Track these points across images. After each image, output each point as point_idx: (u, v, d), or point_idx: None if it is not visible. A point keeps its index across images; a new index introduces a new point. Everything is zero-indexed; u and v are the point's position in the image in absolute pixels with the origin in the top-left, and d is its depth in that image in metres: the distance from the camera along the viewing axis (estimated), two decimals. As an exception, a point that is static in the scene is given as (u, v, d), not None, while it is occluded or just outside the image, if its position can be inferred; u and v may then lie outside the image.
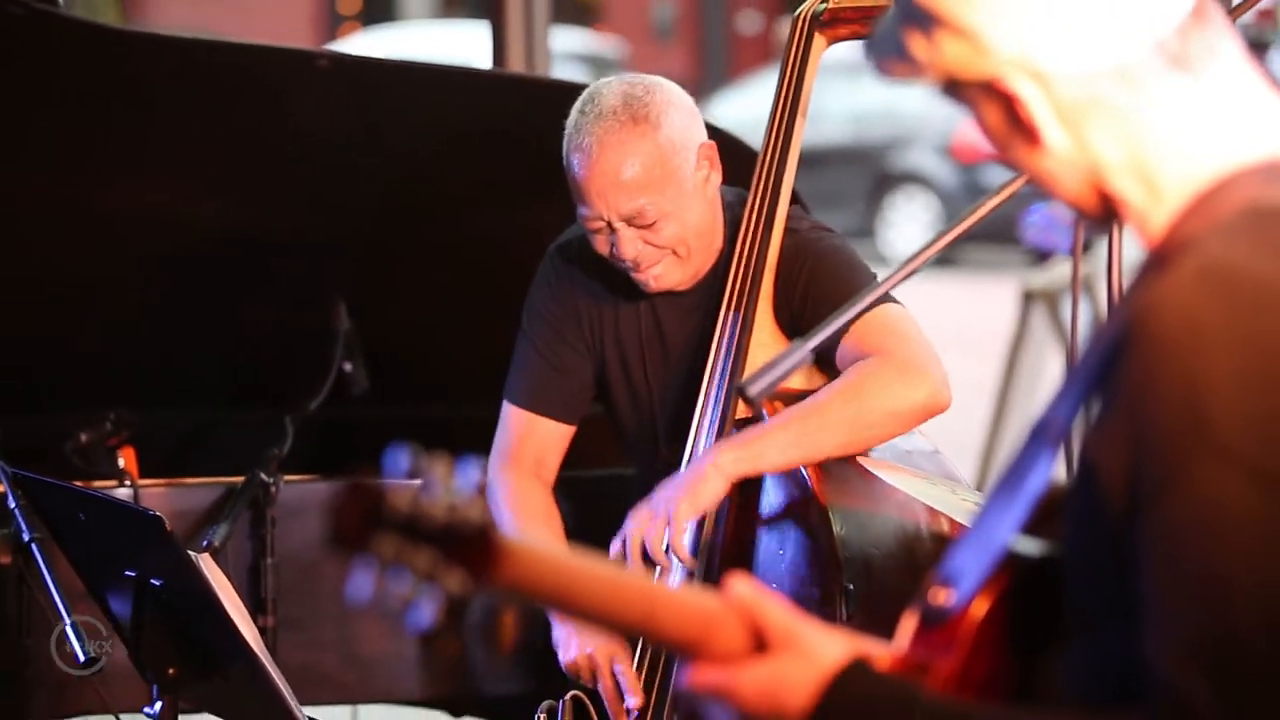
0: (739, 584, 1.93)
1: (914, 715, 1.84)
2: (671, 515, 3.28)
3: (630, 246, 3.46)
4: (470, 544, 1.75)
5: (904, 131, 17.89)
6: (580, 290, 3.66)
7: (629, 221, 3.45)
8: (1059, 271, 7.81)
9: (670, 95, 3.50)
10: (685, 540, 3.31)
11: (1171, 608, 1.74)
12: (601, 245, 3.50)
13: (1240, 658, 1.72)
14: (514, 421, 3.70)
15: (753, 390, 3.04)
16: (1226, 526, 1.72)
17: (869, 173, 17.96)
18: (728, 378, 3.43)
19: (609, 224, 3.46)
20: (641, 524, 3.32)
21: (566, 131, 3.51)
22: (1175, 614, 1.74)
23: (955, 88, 1.91)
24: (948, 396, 3.32)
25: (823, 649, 1.89)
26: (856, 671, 1.88)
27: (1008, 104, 1.88)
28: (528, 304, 3.74)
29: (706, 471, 3.29)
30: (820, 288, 3.42)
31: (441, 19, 25.10)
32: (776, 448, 3.29)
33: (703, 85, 21.26)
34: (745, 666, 1.90)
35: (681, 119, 3.48)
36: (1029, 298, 7.82)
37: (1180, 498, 1.73)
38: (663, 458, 3.55)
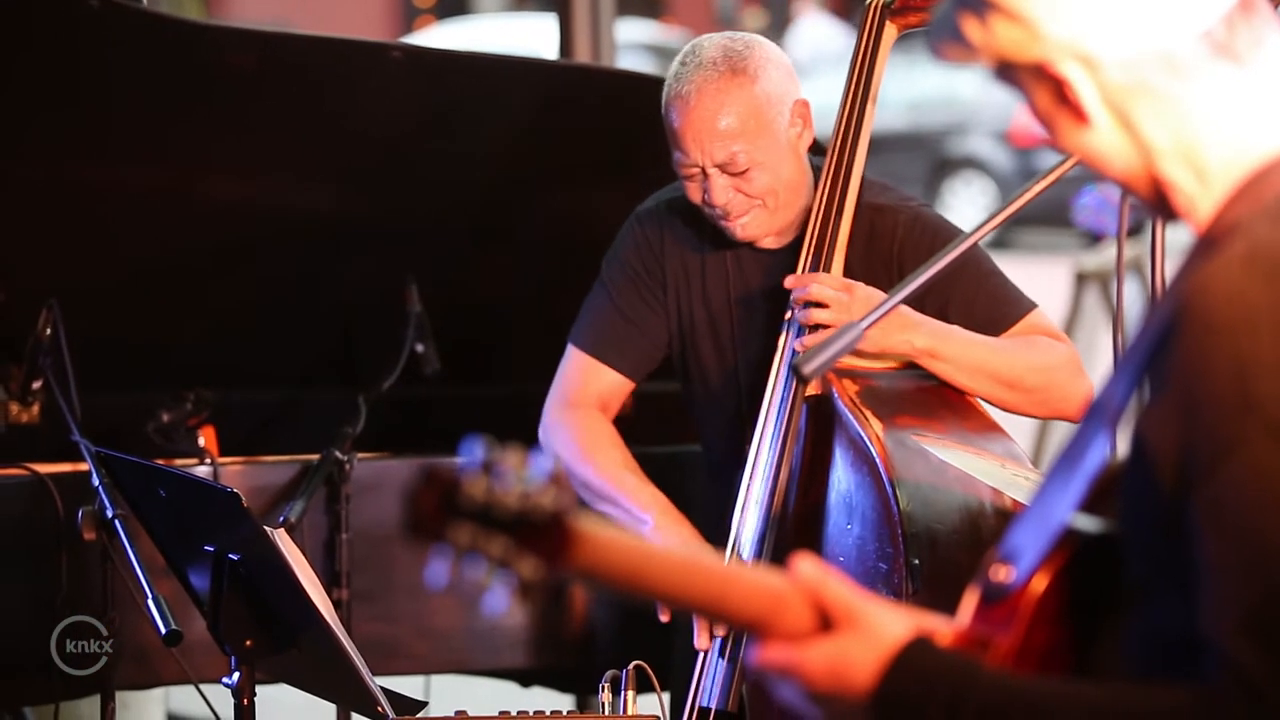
0: (804, 563, 1.97)
1: (974, 690, 1.87)
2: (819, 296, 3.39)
3: (722, 193, 3.53)
4: (543, 531, 1.79)
5: (962, 118, 17.81)
6: (669, 254, 3.72)
7: (722, 168, 3.53)
8: (1111, 253, 7.81)
9: (768, 52, 3.58)
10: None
11: (1226, 580, 1.78)
12: (694, 192, 3.57)
13: None
14: (576, 364, 3.75)
15: (807, 369, 3.09)
16: (1278, 499, 1.76)
17: (927, 158, 17.89)
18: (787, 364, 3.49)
19: (703, 170, 3.53)
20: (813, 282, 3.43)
21: (666, 82, 3.59)
22: (1230, 586, 1.78)
23: (1007, 70, 1.96)
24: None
25: (886, 627, 1.93)
26: (918, 648, 1.92)
27: (1057, 87, 1.93)
28: (610, 256, 3.79)
29: (896, 325, 3.38)
30: (918, 258, 3.49)
31: (513, 11, 25.10)
32: (962, 343, 3.43)
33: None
34: (811, 645, 1.94)
35: (779, 74, 3.56)
36: (1082, 279, 7.83)
37: (1232, 473, 1.78)
38: (743, 417, 3.59)
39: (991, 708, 1.87)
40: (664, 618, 3.50)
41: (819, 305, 3.43)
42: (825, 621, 1.95)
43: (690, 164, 3.54)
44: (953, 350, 3.44)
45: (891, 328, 3.38)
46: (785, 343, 3.51)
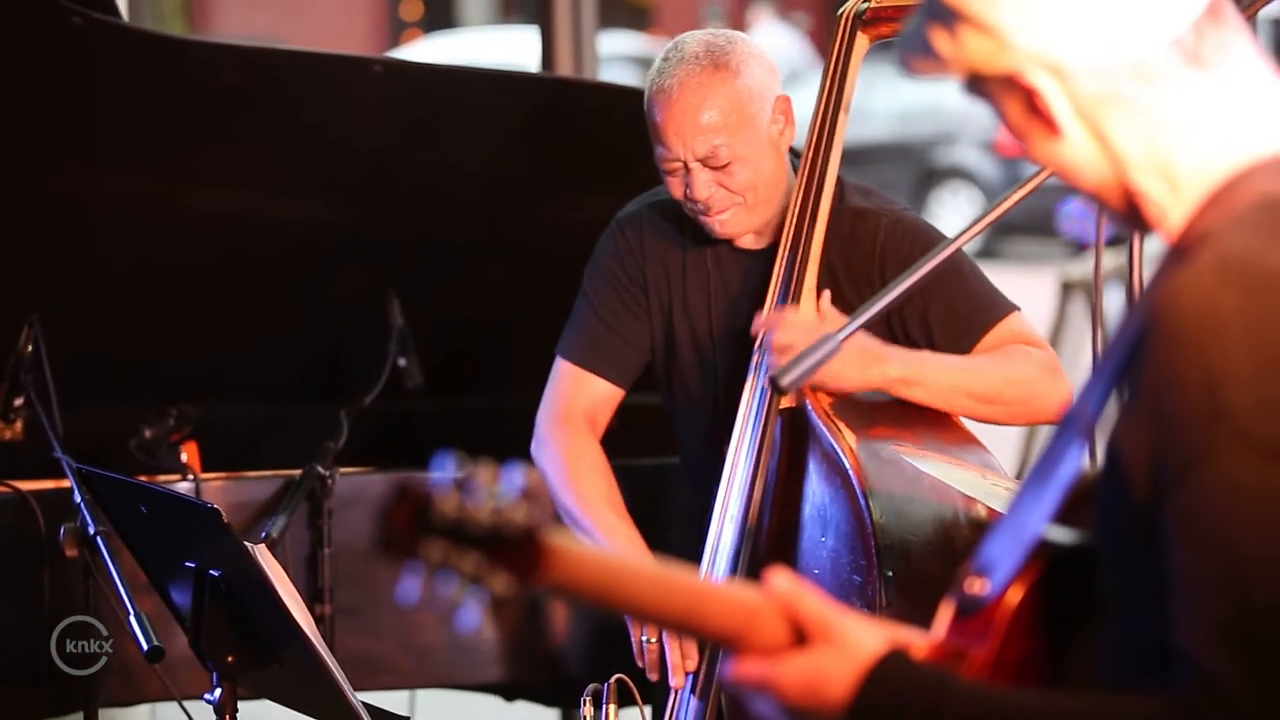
0: (778, 577, 1.97)
1: (950, 702, 1.88)
2: (785, 342, 3.36)
3: (704, 188, 3.54)
4: (515, 546, 1.79)
5: (949, 128, 17.84)
6: (649, 257, 3.73)
7: (704, 162, 3.53)
8: (1090, 264, 7.81)
9: (750, 48, 3.60)
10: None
11: (1199, 590, 1.78)
12: (676, 187, 3.58)
13: (1271, 637, 1.76)
14: (565, 377, 3.76)
15: (785, 381, 3.09)
16: (1250, 508, 1.77)
17: (914, 168, 17.92)
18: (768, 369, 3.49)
19: (685, 164, 3.54)
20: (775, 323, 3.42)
21: (649, 78, 3.61)
22: (1203, 596, 1.78)
23: (978, 82, 1.96)
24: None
25: (861, 640, 1.93)
26: (894, 661, 1.92)
27: (1028, 98, 1.93)
28: (590, 265, 3.80)
29: (867, 358, 3.37)
30: (900, 261, 3.49)
31: (499, 25, 25.11)
32: (935, 367, 3.42)
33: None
34: (786, 659, 1.94)
35: (761, 70, 3.58)
36: (1068, 288, 7.83)
37: (1203, 482, 1.78)
38: (721, 425, 3.59)
39: (968, 719, 1.87)
40: (652, 637, 3.50)
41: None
42: (800, 635, 1.95)
43: (672, 158, 3.55)
44: (927, 375, 3.44)
45: (863, 362, 3.38)
46: (759, 357, 3.51)
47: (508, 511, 1.79)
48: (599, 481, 3.65)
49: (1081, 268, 7.93)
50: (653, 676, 3.52)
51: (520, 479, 1.81)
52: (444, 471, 1.79)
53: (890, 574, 3.25)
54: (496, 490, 1.80)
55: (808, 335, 3.32)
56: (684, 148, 3.53)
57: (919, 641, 1.99)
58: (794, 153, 3.69)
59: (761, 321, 3.48)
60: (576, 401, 3.73)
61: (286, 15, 23.13)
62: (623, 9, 24.79)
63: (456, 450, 1.83)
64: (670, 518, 3.78)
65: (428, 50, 21.01)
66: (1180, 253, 1.88)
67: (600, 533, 3.57)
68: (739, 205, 3.57)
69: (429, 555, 1.78)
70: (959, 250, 3.41)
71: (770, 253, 3.60)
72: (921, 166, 18.02)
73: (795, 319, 3.44)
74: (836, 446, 3.36)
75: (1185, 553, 1.79)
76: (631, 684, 3.41)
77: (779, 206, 3.61)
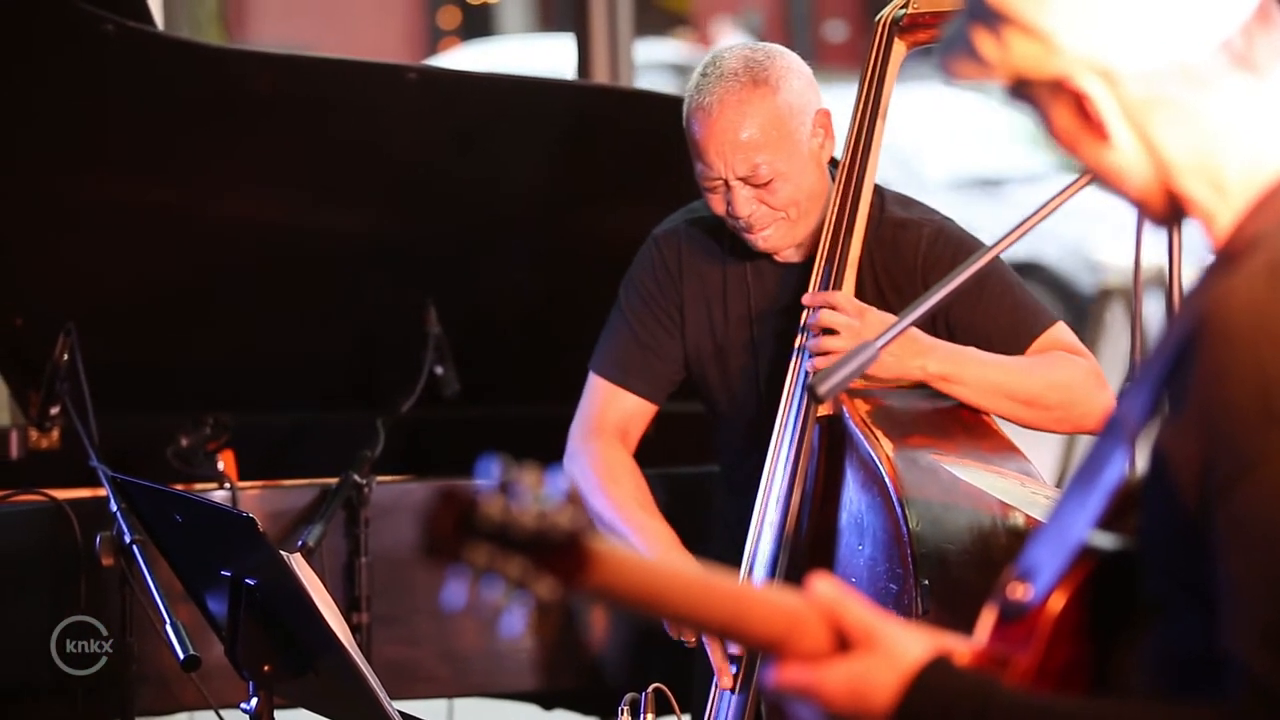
0: (821, 583, 1.95)
1: (995, 709, 1.86)
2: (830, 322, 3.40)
3: (745, 205, 3.52)
4: (560, 551, 1.78)
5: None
6: (686, 273, 3.71)
7: (745, 180, 3.51)
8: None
9: (789, 61, 3.57)
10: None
11: (1250, 596, 1.76)
12: (718, 205, 3.56)
13: None
14: (598, 392, 3.75)
15: (822, 389, 3.07)
16: None
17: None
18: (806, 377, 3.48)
19: (725, 182, 3.53)
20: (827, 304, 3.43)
21: (687, 94, 3.58)
22: (1255, 602, 1.76)
23: (1023, 87, 1.93)
24: None
25: (904, 647, 1.91)
26: (938, 668, 1.90)
27: (1076, 102, 1.90)
28: (626, 280, 3.79)
29: (910, 350, 3.38)
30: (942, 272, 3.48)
31: (538, 33, 25.14)
32: (978, 365, 3.42)
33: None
34: (829, 665, 1.92)
35: (800, 84, 3.55)
36: (1105, 295, 7.81)
37: (1254, 487, 1.76)
38: (760, 434, 3.58)
39: None
40: (690, 639, 3.49)
41: (831, 331, 3.43)
42: (843, 642, 1.93)
43: (714, 176, 3.53)
44: (969, 373, 3.43)
45: (905, 354, 3.37)
46: (797, 364, 3.50)
47: (553, 515, 1.78)
48: (629, 484, 3.65)
49: (1119, 273, 7.90)
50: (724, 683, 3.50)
51: (565, 483, 1.80)
52: (489, 476, 1.78)
53: (927, 582, 3.24)
54: (542, 494, 1.78)
55: (851, 321, 3.35)
56: (725, 166, 3.51)
57: (962, 648, 1.97)
58: (833, 162, 3.67)
59: (808, 298, 3.47)
60: (608, 416, 3.73)
61: (323, 23, 23.17)
62: (658, 17, 24.82)
63: (502, 456, 1.81)
64: (708, 526, 3.76)
65: (465, 58, 21.03)
66: (1229, 258, 1.86)
67: (634, 532, 3.56)
68: (781, 220, 3.55)
69: (474, 560, 1.77)
70: (1000, 261, 3.41)
71: (809, 265, 3.59)
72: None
73: (843, 299, 3.44)
74: (873, 454, 3.34)
75: (1236, 558, 1.77)
76: (669, 693, 3.40)
77: (820, 218, 3.59)
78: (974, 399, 3.44)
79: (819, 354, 3.42)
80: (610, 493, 3.63)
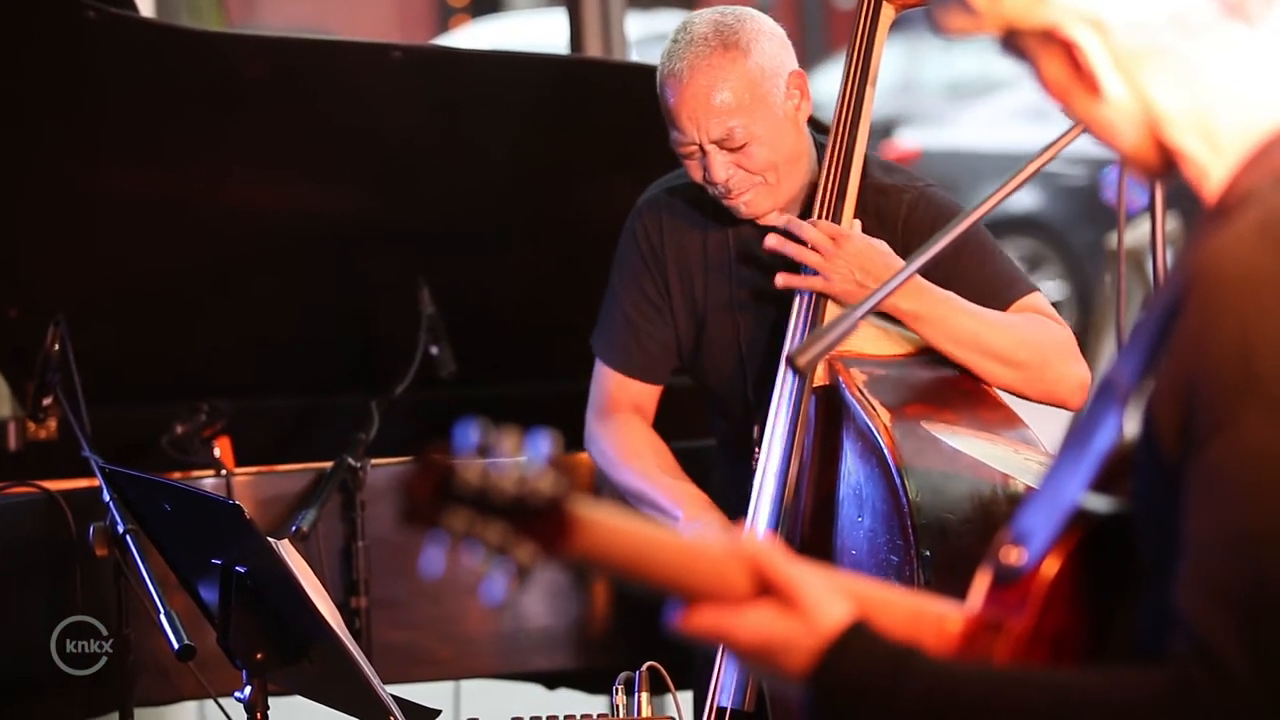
0: (754, 538, 1.91)
1: (910, 677, 1.83)
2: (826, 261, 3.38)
3: (721, 170, 3.50)
4: (541, 516, 1.76)
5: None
6: (668, 242, 3.70)
7: (720, 144, 3.49)
8: (1143, 229, 7.76)
9: (760, 24, 3.54)
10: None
11: (1207, 556, 1.73)
12: (694, 170, 3.54)
13: (1275, 611, 1.70)
14: (604, 377, 3.77)
15: (802, 360, 3.04)
16: (1270, 478, 1.71)
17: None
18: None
19: (700, 148, 3.50)
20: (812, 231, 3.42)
21: (660, 61, 3.56)
22: (1210, 562, 1.72)
23: (1014, 38, 1.90)
24: (1081, 400, 3.43)
25: (825, 610, 1.87)
26: (856, 634, 1.86)
27: (1067, 52, 1.87)
28: (616, 260, 3.78)
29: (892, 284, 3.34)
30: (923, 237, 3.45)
31: (548, 8, 25.15)
32: (951, 309, 3.39)
33: (801, 60, 20.99)
34: (742, 611, 1.88)
35: (772, 47, 3.53)
36: (1111, 256, 7.77)
37: (1225, 446, 1.73)
38: (751, 401, 3.57)
39: (934, 696, 1.82)
40: None
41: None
42: (762, 590, 1.89)
43: (688, 142, 3.51)
44: (940, 314, 3.40)
45: (875, 278, 3.35)
46: (792, 334, 3.47)
47: (533, 480, 1.76)
48: (649, 454, 3.66)
49: (1127, 236, 7.86)
50: None
51: (546, 447, 1.77)
52: (467, 440, 1.75)
53: (928, 553, 3.21)
54: (521, 459, 1.77)
55: (826, 243, 3.37)
56: (698, 131, 3.49)
57: (955, 613, 1.94)
58: (818, 125, 3.63)
59: (812, 222, 3.46)
60: (618, 398, 3.75)
61: (331, 5, 23.15)
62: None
63: (481, 421, 1.78)
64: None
65: (475, 36, 20.99)
66: (1220, 213, 1.82)
67: (658, 493, 3.57)
68: (760, 185, 3.52)
69: (453, 525, 1.75)
70: (980, 228, 3.38)
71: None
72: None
73: (823, 224, 3.43)
74: (871, 425, 3.31)
75: (1200, 516, 1.74)
76: (664, 671, 3.37)
77: (802, 182, 3.57)
78: (944, 344, 3.41)
79: (801, 289, 3.43)
80: (633, 464, 3.65)
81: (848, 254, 3.40)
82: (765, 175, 3.51)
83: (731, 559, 1.89)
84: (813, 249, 3.41)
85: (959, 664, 1.87)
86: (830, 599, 1.88)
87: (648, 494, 3.59)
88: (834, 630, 1.86)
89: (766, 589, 1.88)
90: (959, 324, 3.40)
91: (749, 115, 3.47)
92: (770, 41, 3.52)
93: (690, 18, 3.59)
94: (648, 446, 3.69)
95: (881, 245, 3.43)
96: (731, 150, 3.48)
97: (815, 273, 3.42)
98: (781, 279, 3.45)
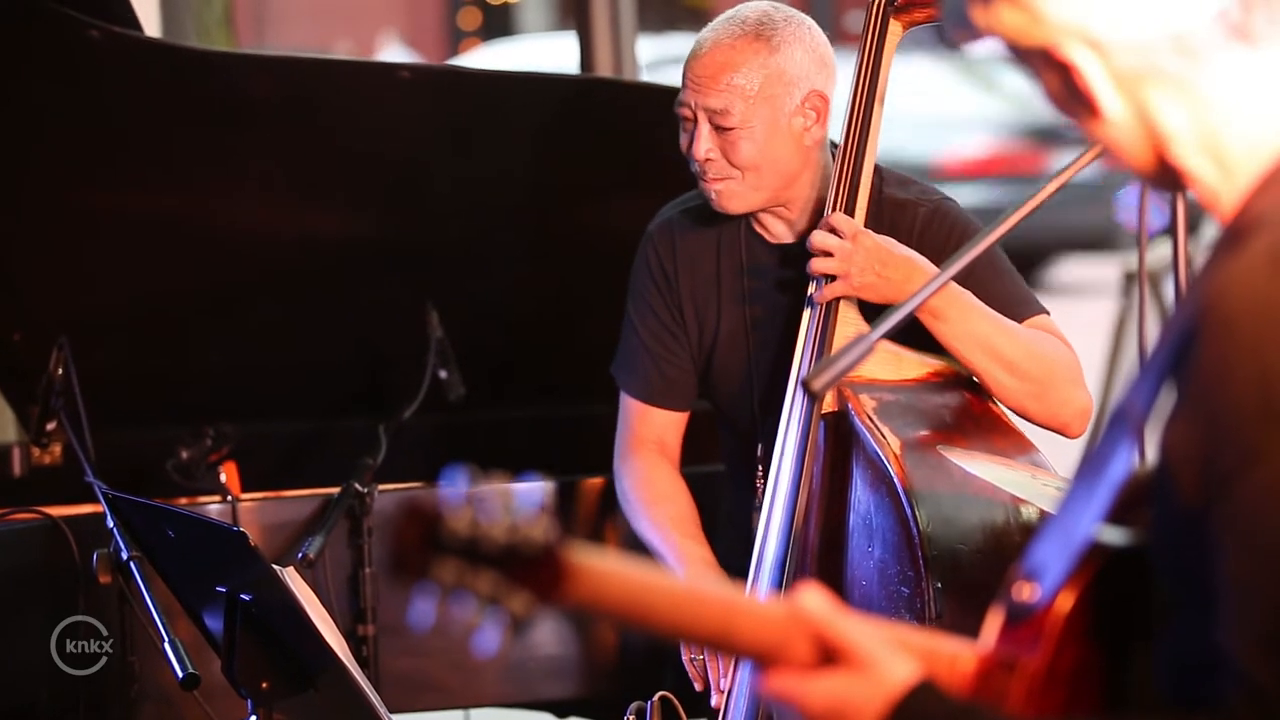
0: (809, 595, 1.90)
1: None
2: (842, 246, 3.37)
3: (703, 144, 3.49)
4: (534, 564, 1.73)
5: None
6: (681, 263, 3.68)
7: (712, 117, 3.49)
8: (1160, 251, 7.73)
9: (804, 35, 3.53)
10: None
11: (1250, 599, 1.70)
12: (683, 139, 3.54)
13: None
14: (628, 409, 3.76)
15: (817, 384, 3.01)
16: None
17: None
18: (810, 367, 3.42)
19: (694, 116, 3.50)
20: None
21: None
22: (1254, 605, 1.70)
23: (1019, 54, 1.89)
24: (1082, 428, 3.41)
25: (890, 669, 1.87)
26: (923, 694, 1.85)
27: (1065, 72, 1.85)
28: (630, 289, 3.77)
29: (904, 273, 3.35)
30: (938, 251, 3.45)
31: (559, 30, 25.22)
32: (967, 308, 3.37)
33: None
34: (813, 679, 1.88)
35: (804, 58, 3.51)
36: (1130, 278, 7.76)
37: (1254, 485, 1.70)
38: (760, 426, 3.55)
39: None
40: (698, 686, 3.51)
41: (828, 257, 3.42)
42: (828, 656, 1.88)
43: (685, 104, 3.52)
44: (956, 312, 3.37)
45: (902, 278, 3.35)
46: (800, 358, 3.43)
47: (525, 528, 1.72)
48: (668, 505, 3.66)
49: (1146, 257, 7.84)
50: (698, 687, 3.49)
51: (538, 494, 1.74)
52: (454, 487, 1.71)
53: (939, 585, 3.18)
54: (512, 505, 1.73)
55: (844, 243, 3.36)
56: (697, 93, 3.49)
57: (968, 653, 1.92)
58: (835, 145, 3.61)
59: (829, 222, 3.44)
60: (642, 431, 3.74)
61: (341, 26, 23.25)
62: (680, 11, 24.89)
63: (477, 463, 1.77)
64: (718, 524, 3.70)
65: (486, 58, 21.10)
66: (1233, 237, 1.79)
67: (670, 555, 3.57)
68: (735, 180, 3.51)
69: (442, 576, 1.71)
70: (995, 248, 3.36)
71: (803, 245, 3.51)
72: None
73: (842, 220, 3.41)
74: (880, 453, 3.29)
75: (1235, 558, 1.71)
76: (675, 701, 3.34)
77: (807, 198, 3.55)
78: (958, 344, 3.37)
79: (816, 275, 3.42)
80: (651, 515, 3.66)
81: (864, 247, 3.38)
82: (744, 172, 3.50)
83: (788, 620, 1.88)
84: (826, 255, 3.40)
85: (1024, 718, 1.85)
86: (895, 658, 1.87)
87: (657, 547, 3.61)
88: (900, 690, 1.85)
89: (830, 656, 1.87)
90: (976, 324, 3.38)
91: (749, 105, 3.47)
92: (805, 54, 3.51)
93: (748, 3, 3.58)
94: (664, 495, 3.68)
95: (893, 240, 3.42)
96: (721, 130, 3.48)
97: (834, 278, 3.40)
98: (815, 294, 3.44)
